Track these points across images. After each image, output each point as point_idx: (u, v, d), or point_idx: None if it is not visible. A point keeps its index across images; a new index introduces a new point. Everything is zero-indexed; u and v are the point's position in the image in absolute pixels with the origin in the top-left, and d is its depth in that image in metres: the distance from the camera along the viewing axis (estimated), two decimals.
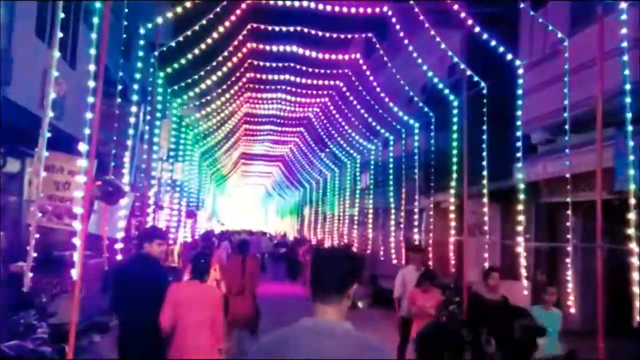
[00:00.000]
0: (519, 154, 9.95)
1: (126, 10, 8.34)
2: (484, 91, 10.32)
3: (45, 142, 4.59)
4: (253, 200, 63.58)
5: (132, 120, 8.56)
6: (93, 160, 5.50)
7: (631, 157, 6.95)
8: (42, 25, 9.75)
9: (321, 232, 30.94)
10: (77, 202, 5.59)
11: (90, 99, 5.28)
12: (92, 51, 5.37)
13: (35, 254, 5.18)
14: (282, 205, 54.33)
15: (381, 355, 2.47)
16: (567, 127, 8.71)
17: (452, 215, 12.05)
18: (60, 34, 5.36)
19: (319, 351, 2.36)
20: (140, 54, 9.04)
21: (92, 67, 5.31)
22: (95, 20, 5.61)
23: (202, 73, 13.29)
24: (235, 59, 13.41)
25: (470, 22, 9.53)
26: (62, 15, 4.75)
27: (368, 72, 14.90)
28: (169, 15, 9.06)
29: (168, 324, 5.19)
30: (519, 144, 9.73)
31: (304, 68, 15.67)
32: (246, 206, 61.93)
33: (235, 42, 12.87)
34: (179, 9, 8.92)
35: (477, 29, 9.40)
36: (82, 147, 5.27)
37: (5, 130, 7.98)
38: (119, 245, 7.77)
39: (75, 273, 5.27)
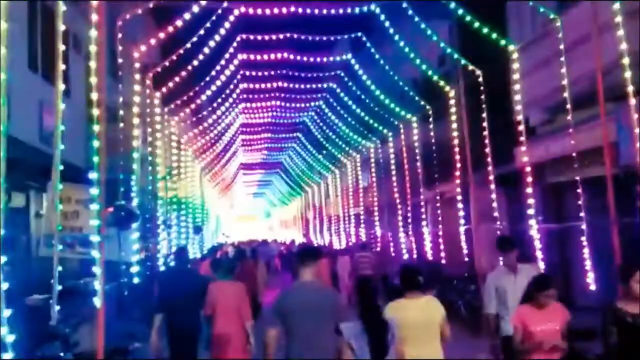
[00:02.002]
0: (517, 138, 9.98)
1: (120, 35, 8.35)
2: (480, 79, 10.33)
3: (58, 175, 4.59)
4: (255, 209, 63.51)
5: (135, 143, 8.57)
6: (103, 187, 5.51)
7: (637, 130, 6.95)
8: (33, 57, 9.77)
9: (327, 234, 30.95)
10: (90, 230, 5.60)
11: (96, 127, 5.28)
12: (93, 79, 5.35)
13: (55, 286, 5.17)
14: (286, 211, 54.30)
15: (335, 296, 5.17)
16: (568, 106, 8.73)
17: (459, 205, 12.06)
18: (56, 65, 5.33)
19: (306, 297, 4.74)
20: (137, 77, 9.05)
21: (94, 96, 5.29)
22: (92, 48, 5.60)
23: (197, 89, 13.31)
24: (227, 72, 13.43)
25: (458, 10, 9.55)
26: (62, 47, 4.74)
27: (360, 71, 14.91)
28: (161, 35, 9.05)
29: (209, 312, 6.78)
30: (521, 127, 9.73)
31: (296, 73, 15.70)
32: (249, 216, 61.84)
33: (227, 55, 12.89)
34: (170, 28, 8.91)
35: (467, 18, 9.43)
36: (93, 175, 5.27)
37: (7, 165, 7.98)
38: (135, 269, 7.77)
39: (97, 301, 5.27)
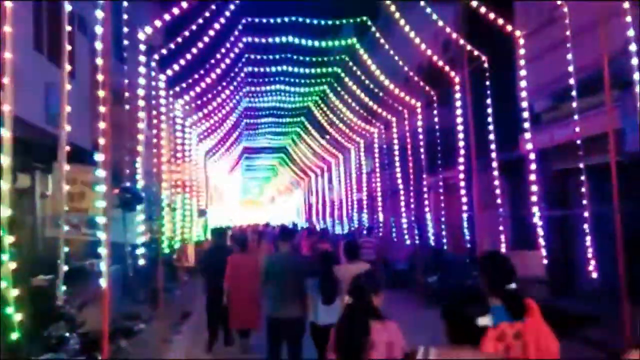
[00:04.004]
0: (522, 124, 9.96)
1: (125, 16, 8.33)
2: (485, 65, 10.28)
3: (65, 156, 4.62)
4: (258, 193, 63.67)
5: (140, 126, 8.59)
6: (109, 169, 5.54)
7: None
8: (39, 38, 9.76)
9: (330, 219, 31.03)
10: (97, 211, 5.64)
11: (102, 109, 5.30)
12: (98, 61, 5.36)
13: (62, 267, 5.23)
14: (289, 195, 54.39)
15: (302, 261, 7.45)
16: (574, 92, 8.70)
17: (462, 192, 12.07)
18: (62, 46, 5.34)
19: (284, 263, 6.87)
20: (142, 58, 9.04)
21: (100, 77, 5.30)
22: (98, 29, 5.60)
23: (202, 72, 13.29)
24: (232, 55, 13.40)
25: None
26: (68, 28, 4.74)
27: (365, 56, 14.85)
28: (166, 17, 9.02)
29: (229, 277, 8.39)
30: (525, 114, 9.72)
31: (300, 58, 15.65)
32: (252, 200, 62.01)
33: (232, 38, 12.85)
34: (175, 10, 8.88)
35: (473, 3, 9.36)
36: (99, 157, 5.30)
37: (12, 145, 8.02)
38: (140, 251, 7.83)
39: (103, 282, 5.34)
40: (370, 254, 15.34)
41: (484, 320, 2.61)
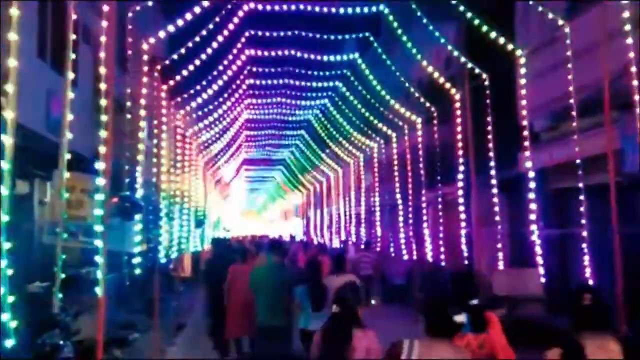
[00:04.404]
0: (521, 143, 10.00)
1: (129, 27, 8.38)
2: (486, 82, 10.35)
3: (65, 164, 4.63)
4: (257, 205, 63.63)
5: (140, 135, 8.61)
6: (109, 177, 5.54)
7: None
8: (43, 46, 9.81)
9: (328, 232, 30.97)
10: (94, 219, 5.64)
11: (103, 117, 5.32)
12: (102, 70, 5.39)
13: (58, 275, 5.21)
14: (286, 208, 54.35)
15: (288, 272, 7.56)
16: (574, 112, 8.75)
17: (461, 208, 12.08)
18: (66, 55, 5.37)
19: (271, 274, 7.34)
20: (145, 68, 9.09)
21: (102, 86, 5.33)
22: (102, 38, 5.64)
23: (204, 83, 13.35)
24: (234, 67, 13.47)
25: (467, 14, 9.58)
26: (73, 36, 4.78)
27: (367, 71, 14.93)
28: (170, 28, 9.08)
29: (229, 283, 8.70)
30: (526, 132, 9.77)
31: (302, 71, 15.73)
32: (250, 211, 61.96)
33: (234, 50, 12.92)
34: (179, 22, 8.94)
35: (475, 21, 9.44)
36: (99, 165, 5.31)
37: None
38: (136, 260, 7.82)
39: (99, 290, 5.32)
40: (368, 269, 15.32)
41: (460, 318, 3.12)
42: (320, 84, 17.14)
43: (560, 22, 9.27)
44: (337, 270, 7.64)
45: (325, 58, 14.36)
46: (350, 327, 4.05)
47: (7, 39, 4.85)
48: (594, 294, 3.26)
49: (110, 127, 5.64)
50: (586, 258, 8.70)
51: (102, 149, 5.44)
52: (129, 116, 8.75)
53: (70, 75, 4.91)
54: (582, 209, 8.83)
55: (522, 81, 9.86)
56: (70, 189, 7.22)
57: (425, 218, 15.45)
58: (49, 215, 9.19)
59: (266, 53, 13.83)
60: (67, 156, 4.85)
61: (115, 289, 8.85)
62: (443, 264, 13.86)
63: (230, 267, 8.80)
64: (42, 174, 10.11)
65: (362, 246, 17.90)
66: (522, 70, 9.84)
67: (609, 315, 3.33)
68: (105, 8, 5.75)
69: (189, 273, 17.33)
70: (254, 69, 15.35)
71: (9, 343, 4.79)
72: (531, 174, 9.71)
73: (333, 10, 11.36)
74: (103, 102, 5.40)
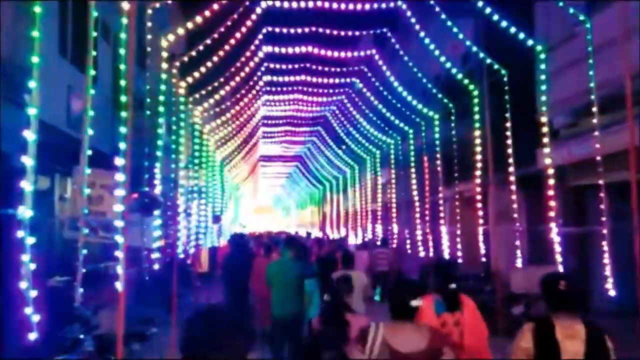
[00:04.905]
0: (540, 140, 9.90)
1: (149, 24, 8.44)
2: (505, 78, 10.26)
3: (86, 160, 4.68)
4: (272, 201, 63.79)
5: (160, 131, 8.67)
6: (129, 173, 5.59)
7: None
8: (63, 42, 9.92)
9: (344, 229, 30.97)
10: (115, 215, 5.70)
11: (124, 114, 5.37)
12: (122, 66, 5.44)
13: (80, 269, 5.28)
14: (302, 204, 54.44)
15: (302, 267, 7.83)
16: (594, 109, 8.64)
17: (478, 205, 12.00)
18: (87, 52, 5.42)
19: (285, 268, 7.86)
20: (164, 65, 9.15)
21: (122, 83, 5.38)
22: (122, 35, 5.69)
23: (221, 80, 13.40)
24: (251, 64, 13.50)
25: (486, 9, 9.49)
26: (94, 34, 4.83)
27: (384, 67, 14.88)
28: (189, 25, 9.13)
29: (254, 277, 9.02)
30: (545, 129, 9.66)
31: (319, 67, 15.71)
32: (266, 207, 62.13)
33: (252, 47, 12.95)
34: (198, 19, 8.99)
35: (494, 17, 9.36)
36: (119, 161, 5.36)
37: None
38: (155, 255, 7.89)
39: (119, 285, 5.37)
40: (384, 265, 15.31)
41: (416, 302, 3.59)
42: (337, 80, 17.11)
43: (581, 18, 9.15)
44: (344, 266, 8.21)
45: (342, 54, 14.32)
46: (341, 312, 4.99)
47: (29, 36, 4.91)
48: (568, 281, 3.67)
49: (130, 123, 5.69)
50: (606, 256, 8.60)
51: (122, 145, 5.49)
52: (148, 112, 8.80)
53: (92, 72, 4.95)
54: (602, 206, 8.72)
55: (542, 77, 9.74)
56: (91, 185, 7.29)
57: (442, 215, 15.38)
58: (70, 211, 9.31)
59: (283, 50, 13.84)
60: (89, 152, 4.89)
61: (134, 284, 8.93)
62: (460, 261, 13.79)
63: (254, 262, 9.30)
64: (62, 170, 10.24)
65: (379, 243, 17.89)
66: (542, 66, 9.72)
67: (580, 300, 3.79)
68: (126, 6, 5.80)
69: (206, 268, 17.44)
70: (271, 66, 15.36)
71: (33, 336, 4.86)
72: (550, 171, 9.60)
73: (350, 6, 11.33)
74: (123, 98, 5.44)
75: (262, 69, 15.15)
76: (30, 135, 4.69)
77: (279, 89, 17.84)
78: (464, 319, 4.51)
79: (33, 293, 4.78)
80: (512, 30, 9.58)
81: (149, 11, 8.98)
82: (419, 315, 3.73)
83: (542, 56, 9.76)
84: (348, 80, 17.52)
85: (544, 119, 9.70)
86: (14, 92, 7.38)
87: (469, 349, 4.43)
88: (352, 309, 4.87)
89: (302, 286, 7.39)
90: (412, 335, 3.52)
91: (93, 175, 7.25)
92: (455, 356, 3.75)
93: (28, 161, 4.60)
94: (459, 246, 14.31)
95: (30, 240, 4.63)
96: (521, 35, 9.58)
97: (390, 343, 3.49)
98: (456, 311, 4.54)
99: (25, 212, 4.51)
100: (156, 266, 8.11)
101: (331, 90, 18.44)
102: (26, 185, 4.57)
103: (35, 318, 4.84)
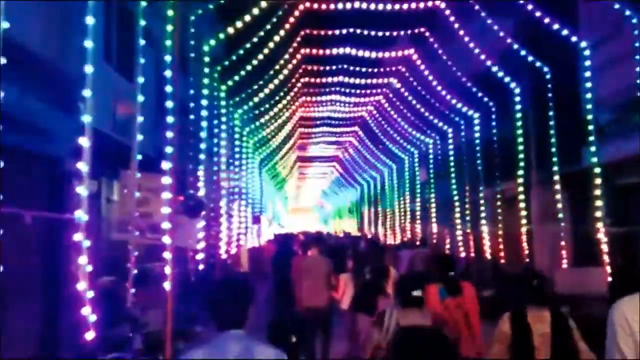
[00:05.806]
0: (585, 137, 9.71)
1: (192, 30, 8.62)
2: (547, 76, 10.09)
3: (136, 164, 4.84)
4: (309, 202, 64.04)
5: (202, 135, 8.84)
6: (175, 176, 5.75)
7: None
8: (109, 49, 10.19)
9: (382, 229, 30.88)
10: (162, 217, 5.86)
11: (169, 119, 5.52)
12: (167, 73, 5.59)
13: (132, 270, 5.44)
14: (340, 204, 54.51)
15: (327, 263, 8.73)
16: None
17: (521, 205, 11.82)
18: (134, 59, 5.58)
19: (313, 264, 8.77)
20: (206, 70, 9.33)
21: (168, 89, 5.53)
22: (168, 42, 5.84)
23: (261, 82, 13.56)
24: (290, 66, 13.63)
25: (528, 6, 9.37)
26: (142, 42, 4.98)
27: (422, 67, 14.80)
28: (229, 30, 9.29)
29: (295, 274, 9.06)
30: (590, 126, 9.47)
31: (357, 68, 15.74)
32: (303, 208, 62.44)
33: (290, 50, 13.07)
34: (238, 23, 9.14)
35: (537, 13, 9.23)
36: (165, 164, 5.51)
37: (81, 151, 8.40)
38: (200, 256, 8.06)
39: (167, 285, 5.53)
40: (420, 266, 15.22)
41: (417, 293, 4.21)
42: (374, 81, 17.10)
43: (627, 13, 8.94)
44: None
45: (379, 54, 14.31)
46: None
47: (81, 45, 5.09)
48: (540, 278, 4.31)
49: (176, 128, 5.84)
50: None
51: (169, 149, 5.64)
52: (192, 117, 8.99)
53: (140, 79, 5.11)
54: None
55: (587, 73, 9.55)
56: (138, 188, 7.49)
57: (483, 215, 15.20)
58: (118, 213, 9.57)
59: (321, 51, 13.93)
60: (139, 157, 5.05)
61: (180, 284, 9.13)
62: (502, 261, 13.61)
63: (293, 259, 9.74)
64: (109, 173, 10.53)
65: (418, 242, 17.78)
66: (587, 63, 9.53)
67: (548, 294, 4.54)
68: (170, 12, 5.96)
69: (247, 268, 17.66)
70: (309, 68, 15.47)
71: (90, 336, 5.05)
72: (596, 170, 9.40)
73: (388, 7, 11.32)
74: (169, 104, 5.60)
75: (300, 71, 15.26)
76: (85, 142, 4.86)
77: (316, 90, 17.94)
78: (464, 302, 5.38)
79: (90, 294, 4.96)
80: (556, 26, 9.43)
81: (192, 17, 9.18)
82: (426, 301, 4.48)
83: (587, 52, 9.55)
84: (386, 80, 17.48)
85: (589, 117, 9.50)
86: (62, 99, 7.64)
87: (474, 326, 5.34)
88: (387, 292, 5.66)
89: (327, 280, 8.34)
90: (419, 317, 4.20)
91: (139, 178, 7.44)
92: (450, 333, 4.63)
93: (83, 167, 4.78)
94: (500, 246, 14.12)
95: (87, 243, 4.80)
96: (565, 32, 9.41)
97: (402, 324, 4.18)
98: (458, 296, 5.39)
99: (82, 215, 4.68)
100: (201, 266, 8.28)
101: (369, 91, 18.45)
102: (81, 191, 4.75)
103: (92, 318, 5.02)
